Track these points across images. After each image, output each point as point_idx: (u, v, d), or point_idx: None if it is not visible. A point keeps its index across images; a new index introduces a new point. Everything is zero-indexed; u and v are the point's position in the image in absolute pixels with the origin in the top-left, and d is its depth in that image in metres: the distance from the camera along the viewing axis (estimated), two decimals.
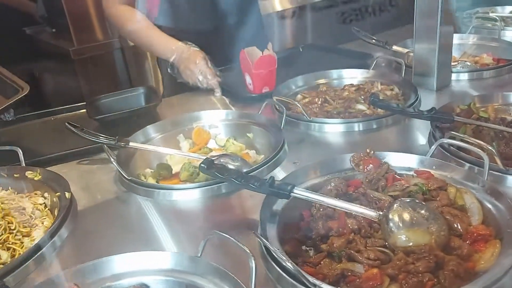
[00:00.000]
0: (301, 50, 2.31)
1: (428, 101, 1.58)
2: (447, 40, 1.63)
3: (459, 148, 1.15)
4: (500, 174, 1.07)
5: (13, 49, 3.47)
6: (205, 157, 1.35)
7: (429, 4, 1.57)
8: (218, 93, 1.85)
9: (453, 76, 1.74)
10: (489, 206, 0.95)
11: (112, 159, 1.24)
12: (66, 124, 1.36)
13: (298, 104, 1.45)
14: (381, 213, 0.92)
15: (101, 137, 1.36)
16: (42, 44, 3.53)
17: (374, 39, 1.98)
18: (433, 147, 1.12)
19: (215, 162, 1.32)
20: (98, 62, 3.15)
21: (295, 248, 0.95)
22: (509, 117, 1.38)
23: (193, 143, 1.55)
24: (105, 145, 1.30)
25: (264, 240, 0.86)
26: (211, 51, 1.88)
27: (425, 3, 1.58)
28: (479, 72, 1.76)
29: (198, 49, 1.85)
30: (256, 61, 1.72)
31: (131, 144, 1.37)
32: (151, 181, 1.35)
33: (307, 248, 0.97)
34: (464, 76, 1.75)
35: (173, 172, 1.40)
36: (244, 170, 1.29)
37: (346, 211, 0.96)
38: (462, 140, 1.12)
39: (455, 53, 2.07)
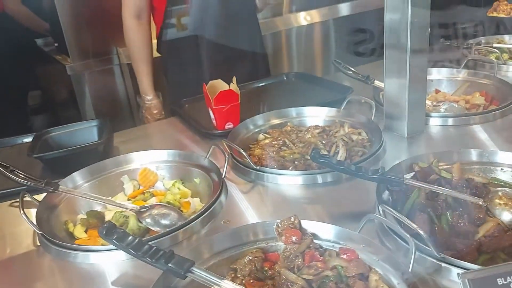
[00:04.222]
0: (285, 78, 2.19)
1: (394, 151, 1.43)
2: (420, 74, 1.43)
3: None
4: (433, 260, 0.92)
5: (19, 59, 3.52)
6: (136, 207, 1.27)
7: (398, 29, 1.37)
8: None
9: (433, 120, 1.57)
10: None
11: (21, 211, 1.16)
12: None
13: (242, 151, 1.33)
14: None
15: (29, 180, 1.28)
16: (45, 57, 3.54)
17: (353, 72, 1.82)
18: (362, 222, 0.98)
19: (145, 214, 1.26)
20: (93, 80, 3.12)
21: None
22: (478, 178, 1.21)
23: (138, 185, 1.46)
24: (23, 191, 1.22)
25: None
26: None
27: (392, 27, 1.39)
28: (462, 117, 1.57)
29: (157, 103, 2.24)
30: (216, 97, 1.61)
31: (60, 188, 1.29)
32: (79, 229, 1.27)
33: None
34: (445, 121, 1.57)
35: (106, 219, 1.32)
36: (179, 223, 1.20)
37: None
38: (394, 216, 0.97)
39: (447, 90, 1.90)
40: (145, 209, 1.25)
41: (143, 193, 1.40)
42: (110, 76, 3.20)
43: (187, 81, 2.19)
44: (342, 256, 0.93)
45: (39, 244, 1.16)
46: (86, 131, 1.62)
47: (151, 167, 1.47)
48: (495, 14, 2.62)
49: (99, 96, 3.17)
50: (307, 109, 1.65)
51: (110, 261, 1.10)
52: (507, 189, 1.11)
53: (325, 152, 1.43)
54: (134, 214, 1.25)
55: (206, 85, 1.67)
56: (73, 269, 1.08)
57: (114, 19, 3.09)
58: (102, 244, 1.17)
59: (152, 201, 1.35)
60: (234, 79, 1.66)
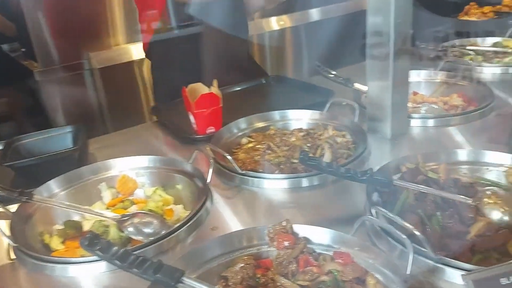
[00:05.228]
0: (264, 82, 2.16)
1: (379, 152, 1.42)
2: (403, 76, 1.43)
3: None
4: (430, 262, 0.90)
5: None
6: (117, 216, 1.22)
7: (381, 32, 1.37)
8: None
9: (414, 122, 1.57)
10: None
11: None
12: None
13: (227, 156, 1.30)
14: None
15: (1, 190, 1.21)
16: (12, 62, 3.41)
17: (333, 75, 1.82)
18: (356, 224, 0.96)
19: (127, 223, 1.20)
20: (63, 85, 3.02)
21: None
22: (464, 178, 1.21)
23: (116, 193, 1.40)
24: None
25: None
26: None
27: (375, 30, 1.39)
28: (443, 118, 1.58)
29: None
30: (197, 100, 1.57)
31: (35, 198, 1.22)
32: (56, 241, 1.20)
33: None
34: (426, 122, 1.58)
35: (85, 229, 1.25)
36: (163, 232, 1.14)
37: None
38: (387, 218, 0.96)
39: (424, 92, 1.91)
40: (126, 218, 1.19)
41: (123, 201, 1.34)
42: (80, 82, 3.10)
43: (170, 84, 2.11)
44: (337, 260, 0.91)
45: (14, 257, 1.09)
46: (60, 138, 1.55)
47: (131, 174, 1.41)
48: (466, 18, 2.69)
49: (69, 102, 3.06)
50: (290, 112, 1.63)
51: (90, 274, 1.04)
52: (495, 188, 1.11)
53: (311, 155, 1.40)
54: (115, 223, 1.19)
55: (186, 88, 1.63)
56: (50, 283, 1.02)
57: (84, 23, 3.03)
58: (81, 256, 1.11)
59: (133, 209, 1.29)
60: (215, 82, 1.63)
